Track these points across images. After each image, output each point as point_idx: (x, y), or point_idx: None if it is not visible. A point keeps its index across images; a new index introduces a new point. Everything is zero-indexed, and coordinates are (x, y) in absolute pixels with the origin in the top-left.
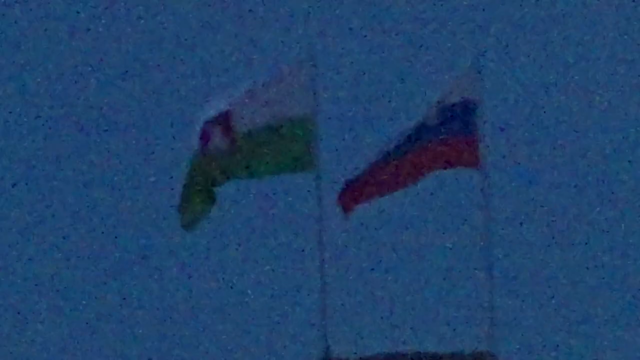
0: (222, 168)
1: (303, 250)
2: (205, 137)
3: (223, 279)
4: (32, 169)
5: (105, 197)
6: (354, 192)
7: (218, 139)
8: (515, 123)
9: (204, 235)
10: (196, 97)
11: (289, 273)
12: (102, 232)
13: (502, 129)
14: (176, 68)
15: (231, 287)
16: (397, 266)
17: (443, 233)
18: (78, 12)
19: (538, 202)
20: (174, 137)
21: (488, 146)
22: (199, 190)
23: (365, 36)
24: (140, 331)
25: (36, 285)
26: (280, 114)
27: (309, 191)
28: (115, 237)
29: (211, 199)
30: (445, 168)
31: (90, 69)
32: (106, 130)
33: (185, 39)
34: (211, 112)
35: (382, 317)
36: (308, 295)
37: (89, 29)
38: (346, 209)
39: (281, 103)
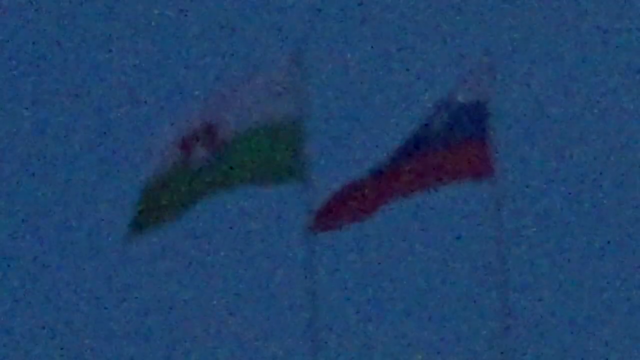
0: (203, 181)
1: (291, 273)
2: (186, 148)
3: (204, 297)
4: None
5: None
6: (340, 209)
7: (201, 150)
8: (530, 126)
9: (185, 252)
10: (176, 103)
11: (277, 303)
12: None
13: (515, 133)
14: (155, 72)
15: (212, 306)
16: (395, 290)
17: (450, 252)
18: None
19: (556, 219)
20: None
21: (500, 153)
22: (165, 207)
23: (361, 29)
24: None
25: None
26: (265, 117)
27: (296, 205)
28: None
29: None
30: (452, 180)
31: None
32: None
33: (164, 39)
34: (192, 121)
35: (378, 339)
36: (297, 329)
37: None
38: (328, 227)
39: (266, 105)
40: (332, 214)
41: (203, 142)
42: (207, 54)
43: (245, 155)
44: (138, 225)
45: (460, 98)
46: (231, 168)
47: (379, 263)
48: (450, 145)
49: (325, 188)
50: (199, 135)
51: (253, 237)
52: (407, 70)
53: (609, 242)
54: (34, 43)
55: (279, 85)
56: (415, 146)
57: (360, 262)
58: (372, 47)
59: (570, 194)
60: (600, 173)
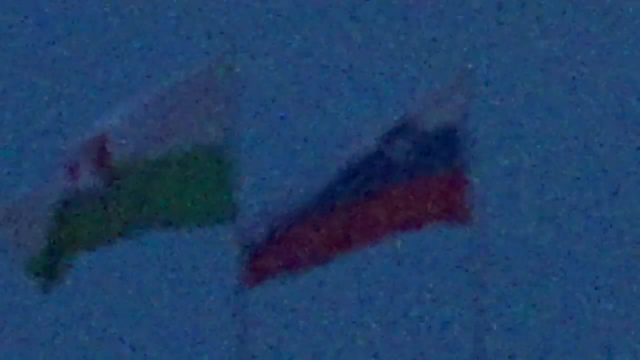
0: (96, 218)
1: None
2: (73, 172)
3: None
4: None
5: None
6: (276, 257)
7: (89, 174)
8: (514, 155)
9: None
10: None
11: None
12: None
13: (496, 165)
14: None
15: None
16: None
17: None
18: None
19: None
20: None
21: (479, 190)
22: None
23: (304, 33)
24: None
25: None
26: (183, 139)
27: (225, 252)
28: None
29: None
30: (419, 225)
31: None
32: None
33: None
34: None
35: None
36: None
37: None
38: (259, 279)
39: (184, 123)
40: (266, 265)
41: (94, 163)
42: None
43: (154, 186)
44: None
45: (425, 122)
46: (134, 204)
47: (329, 315)
48: (413, 182)
49: (258, 230)
50: (88, 156)
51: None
52: (360, 86)
53: (605, 288)
54: None
55: (203, 98)
56: (373, 181)
57: (306, 313)
58: (319, 54)
59: (563, 238)
60: (599, 212)
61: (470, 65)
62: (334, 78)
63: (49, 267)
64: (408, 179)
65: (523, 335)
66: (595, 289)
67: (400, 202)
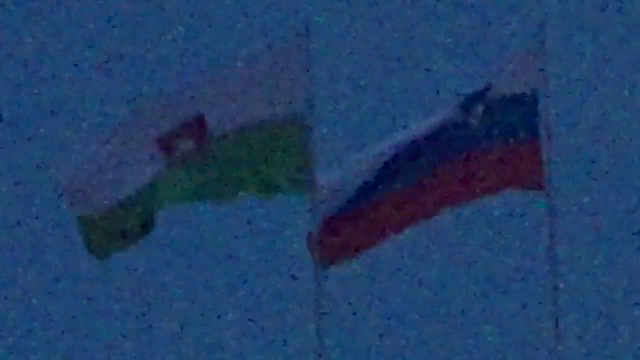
0: (187, 185)
1: (297, 306)
2: (169, 147)
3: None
4: None
5: None
6: (355, 234)
7: (186, 147)
8: (592, 125)
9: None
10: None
11: (282, 335)
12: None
13: (573, 134)
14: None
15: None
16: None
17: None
18: None
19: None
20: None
21: (554, 159)
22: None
23: (376, 10)
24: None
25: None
26: (264, 113)
27: (302, 221)
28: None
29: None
30: (495, 191)
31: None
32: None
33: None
34: (177, 116)
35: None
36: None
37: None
38: (332, 260)
39: (265, 98)
40: (344, 244)
41: (192, 139)
42: (195, 37)
43: (239, 157)
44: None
45: (501, 89)
46: (222, 172)
47: (414, 278)
48: (491, 149)
49: (333, 200)
50: (186, 133)
51: (248, 263)
52: (431, 57)
53: None
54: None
55: (280, 77)
56: (448, 149)
57: (389, 274)
58: (391, 28)
59: (635, 208)
60: None
61: (544, 34)
62: (412, 47)
63: (144, 218)
64: (485, 146)
65: (593, 300)
66: None
67: (477, 168)
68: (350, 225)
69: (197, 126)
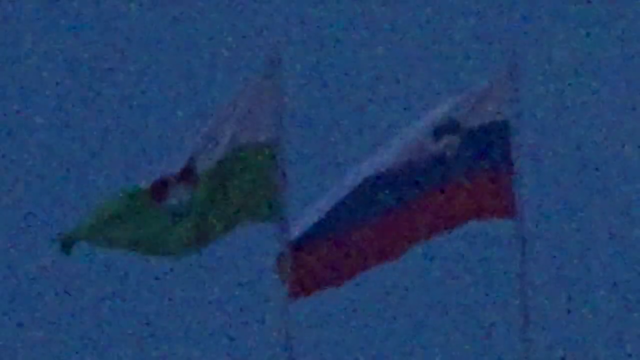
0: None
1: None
2: (159, 193)
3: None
4: None
5: None
6: (324, 269)
7: (177, 190)
8: (562, 151)
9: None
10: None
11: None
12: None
13: (543, 160)
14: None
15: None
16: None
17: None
18: None
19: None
20: None
21: (525, 186)
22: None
23: (349, 37)
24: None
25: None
26: (237, 140)
27: (269, 250)
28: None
29: None
30: (465, 221)
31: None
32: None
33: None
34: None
35: None
36: None
37: None
38: (297, 292)
39: (239, 125)
40: (314, 277)
41: (182, 180)
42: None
43: (216, 189)
44: None
45: (472, 119)
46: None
47: (380, 314)
48: (460, 178)
49: (303, 231)
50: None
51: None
52: (404, 83)
53: None
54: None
55: (252, 105)
56: (420, 180)
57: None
58: (366, 54)
59: (605, 235)
60: None
61: (517, 61)
62: (381, 76)
63: None
64: (456, 176)
65: (567, 329)
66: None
67: (447, 198)
68: (319, 257)
69: (184, 169)
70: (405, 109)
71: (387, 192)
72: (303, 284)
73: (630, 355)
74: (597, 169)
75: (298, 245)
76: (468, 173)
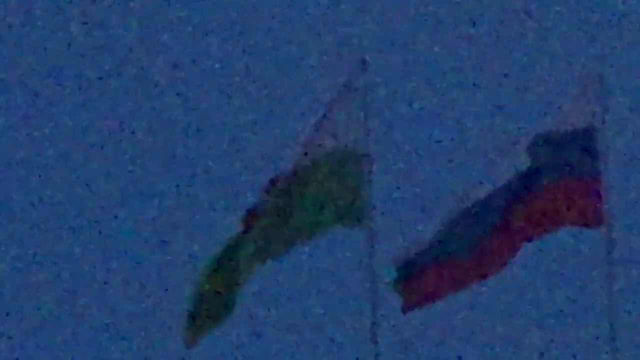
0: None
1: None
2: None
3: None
4: None
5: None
6: (437, 283)
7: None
8: None
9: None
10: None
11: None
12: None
13: (631, 168)
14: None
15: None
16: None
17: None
18: None
19: None
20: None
21: (614, 194)
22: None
23: (431, 40)
24: None
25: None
26: (324, 147)
27: (358, 255)
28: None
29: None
30: (555, 229)
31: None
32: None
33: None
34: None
35: None
36: None
37: None
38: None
39: (326, 132)
40: (427, 291)
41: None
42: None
43: (301, 193)
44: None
45: (562, 125)
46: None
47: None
48: (549, 187)
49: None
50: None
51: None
52: (492, 88)
53: None
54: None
55: (339, 108)
56: (514, 189)
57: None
58: (450, 62)
59: None
60: None
61: (602, 71)
62: (466, 90)
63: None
64: (545, 184)
65: None
66: None
67: (538, 207)
68: (427, 280)
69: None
70: (493, 113)
71: (481, 216)
72: (415, 300)
73: None
74: None
75: (408, 271)
76: (556, 181)
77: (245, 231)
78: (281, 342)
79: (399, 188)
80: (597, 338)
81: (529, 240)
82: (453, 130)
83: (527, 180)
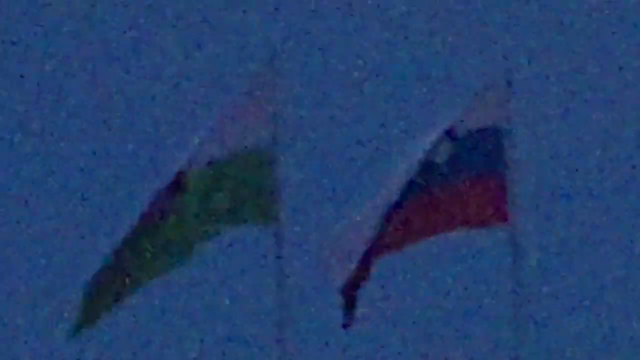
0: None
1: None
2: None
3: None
4: None
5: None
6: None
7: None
8: (556, 158)
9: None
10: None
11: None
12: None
13: (536, 168)
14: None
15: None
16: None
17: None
18: None
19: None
20: None
21: (519, 193)
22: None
23: (347, 41)
24: None
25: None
26: (231, 145)
27: (265, 254)
28: None
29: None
30: (458, 227)
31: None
32: None
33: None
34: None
35: None
36: None
37: None
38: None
39: (232, 131)
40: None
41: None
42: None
43: (210, 192)
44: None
45: (468, 124)
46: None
47: (374, 322)
48: (455, 185)
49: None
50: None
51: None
52: (402, 88)
53: None
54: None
55: (247, 103)
56: (417, 185)
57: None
58: (364, 57)
59: (597, 237)
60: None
61: (508, 67)
62: (376, 83)
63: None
64: (449, 182)
65: (558, 338)
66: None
67: (445, 205)
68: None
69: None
70: (402, 113)
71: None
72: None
73: None
74: (591, 174)
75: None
76: (460, 179)
77: (148, 231)
78: (188, 339)
79: (308, 186)
80: (499, 339)
81: (422, 238)
82: (362, 127)
83: (430, 178)
